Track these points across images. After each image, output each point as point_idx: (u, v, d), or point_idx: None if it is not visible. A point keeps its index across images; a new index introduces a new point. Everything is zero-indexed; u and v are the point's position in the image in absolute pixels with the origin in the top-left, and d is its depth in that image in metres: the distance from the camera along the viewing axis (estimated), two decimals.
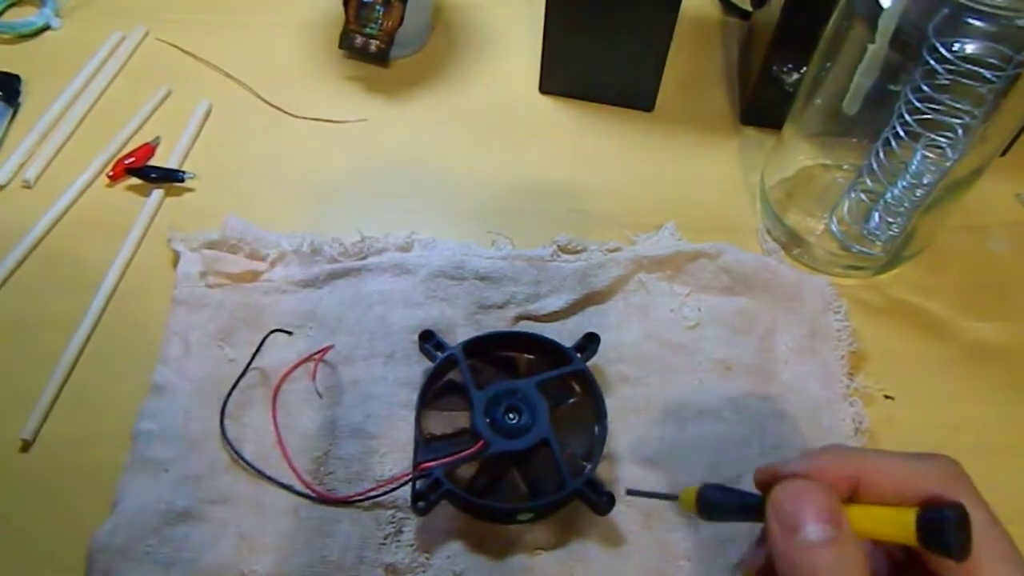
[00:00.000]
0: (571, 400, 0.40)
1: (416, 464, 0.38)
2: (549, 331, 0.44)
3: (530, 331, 0.42)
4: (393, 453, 0.40)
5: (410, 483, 0.37)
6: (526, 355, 0.42)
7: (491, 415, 0.38)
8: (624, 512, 0.39)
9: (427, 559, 0.37)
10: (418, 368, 0.42)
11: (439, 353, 0.41)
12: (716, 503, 0.29)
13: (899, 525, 0.24)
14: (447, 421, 0.40)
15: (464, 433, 0.39)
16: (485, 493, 0.38)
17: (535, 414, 0.38)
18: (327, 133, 0.54)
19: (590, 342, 0.42)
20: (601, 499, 0.37)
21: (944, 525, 0.23)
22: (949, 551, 0.24)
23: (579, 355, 0.41)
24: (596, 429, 0.39)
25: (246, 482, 0.39)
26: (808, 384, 0.43)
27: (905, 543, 0.24)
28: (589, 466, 0.38)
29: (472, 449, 0.37)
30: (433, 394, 0.40)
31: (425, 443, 0.39)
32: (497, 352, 0.42)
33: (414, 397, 0.40)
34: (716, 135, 0.55)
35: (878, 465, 0.26)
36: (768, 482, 0.27)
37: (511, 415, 0.38)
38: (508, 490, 0.38)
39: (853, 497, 0.26)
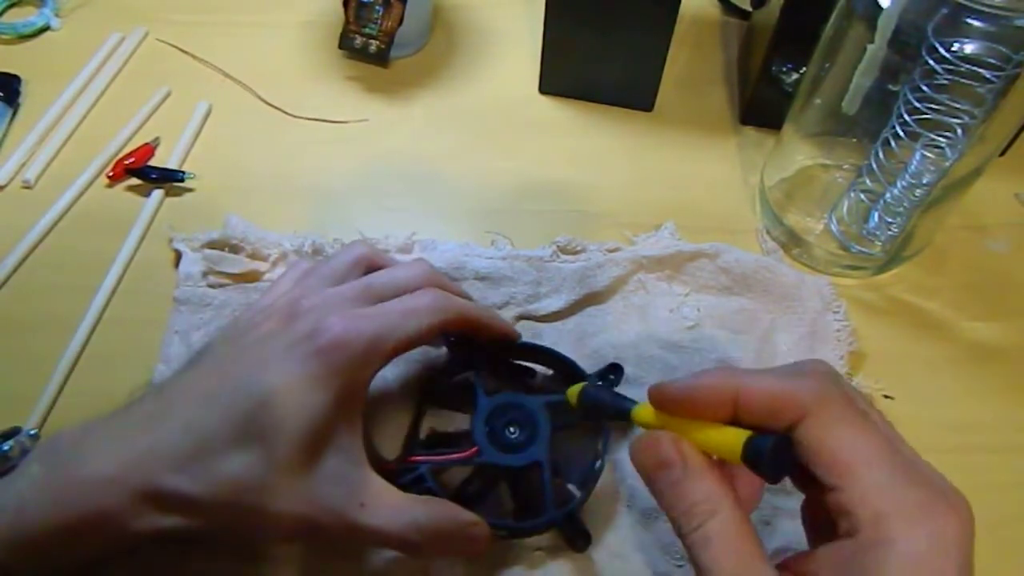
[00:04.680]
0: (576, 427, 0.39)
1: (405, 456, 0.38)
2: (548, 331, 0.44)
3: (555, 350, 0.41)
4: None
5: (395, 475, 0.36)
6: (544, 371, 0.41)
7: (492, 425, 0.37)
8: (625, 512, 0.39)
9: (426, 559, 0.37)
10: (417, 368, 0.42)
11: (456, 353, 0.40)
12: (595, 401, 0.33)
13: (732, 452, 0.27)
14: (450, 420, 0.40)
15: (465, 436, 0.39)
16: (473, 500, 0.37)
17: (535, 434, 0.37)
18: (327, 133, 0.54)
19: (613, 372, 0.40)
20: (577, 536, 0.36)
21: (761, 455, 0.26)
22: (765, 476, 0.26)
23: (599, 383, 0.40)
24: (595, 464, 0.38)
25: None
26: None
27: (736, 463, 0.27)
28: (576, 499, 0.37)
29: (462, 453, 0.36)
30: (442, 391, 0.40)
31: (424, 438, 0.39)
32: (517, 361, 0.41)
33: (412, 394, 0.40)
34: (716, 135, 0.55)
35: (753, 386, 0.27)
36: (656, 398, 0.30)
37: (511, 429, 0.37)
38: (495, 502, 0.38)
39: (735, 415, 0.28)
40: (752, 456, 0.26)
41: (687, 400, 0.29)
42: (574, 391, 0.34)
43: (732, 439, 0.27)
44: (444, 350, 0.41)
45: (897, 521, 0.25)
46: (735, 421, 0.28)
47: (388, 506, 0.33)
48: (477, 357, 0.40)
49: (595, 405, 0.33)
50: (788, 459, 0.26)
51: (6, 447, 0.34)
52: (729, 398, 0.28)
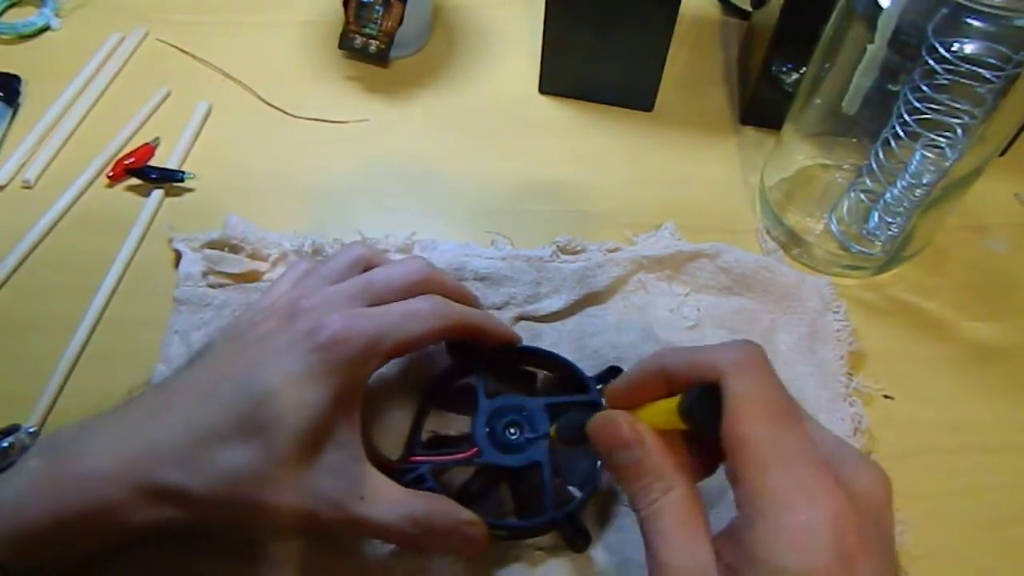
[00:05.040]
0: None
1: (406, 457, 0.38)
2: (548, 332, 0.44)
3: (554, 352, 0.41)
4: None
5: (397, 475, 0.36)
6: (545, 373, 0.41)
7: (492, 426, 0.38)
8: (625, 512, 0.39)
9: (426, 559, 0.37)
10: (419, 371, 0.42)
11: (458, 355, 0.40)
12: (572, 430, 0.33)
13: (673, 415, 0.28)
14: (451, 423, 0.40)
15: (465, 439, 0.39)
16: (474, 500, 0.37)
17: (535, 435, 0.37)
18: (327, 133, 0.54)
19: (613, 375, 0.40)
20: (577, 536, 0.36)
21: (691, 405, 0.27)
22: (697, 425, 0.28)
23: (599, 386, 0.40)
24: (596, 465, 0.38)
25: None
26: (807, 384, 0.43)
27: (682, 427, 0.29)
28: (576, 499, 0.37)
29: (463, 454, 0.37)
30: (443, 394, 0.40)
31: (424, 441, 0.39)
32: (518, 364, 0.41)
33: (413, 396, 0.40)
34: (716, 135, 0.55)
35: (675, 357, 0.30)
36: (611, 400, 0.32)
37: (512, 430, 0.37)
38: (496, 503, 0.38)
39: (670, 391, 0.29)
40: (685, 410, 0.28)
41: (630, 390, 0.31)
42: (553, 433, 0.35)
43: (671, 405, 0.28)
44: (445, 353, 0.41)
45: (773, 499, 0.25)
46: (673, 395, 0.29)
47: (387, 499, 0.33)
48: (478, 360, 0.40)
49: (574, 434, 0.33)
50: (715, 407, 0.27)
51: (5, 444, 0.34)
52: (660, 376, 0.30)
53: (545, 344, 0.42)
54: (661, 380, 0.30)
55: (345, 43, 0.57)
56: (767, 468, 0.25)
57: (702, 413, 0.27)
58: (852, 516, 0.25)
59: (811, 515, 0.25)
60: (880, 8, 0.38)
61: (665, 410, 0.29)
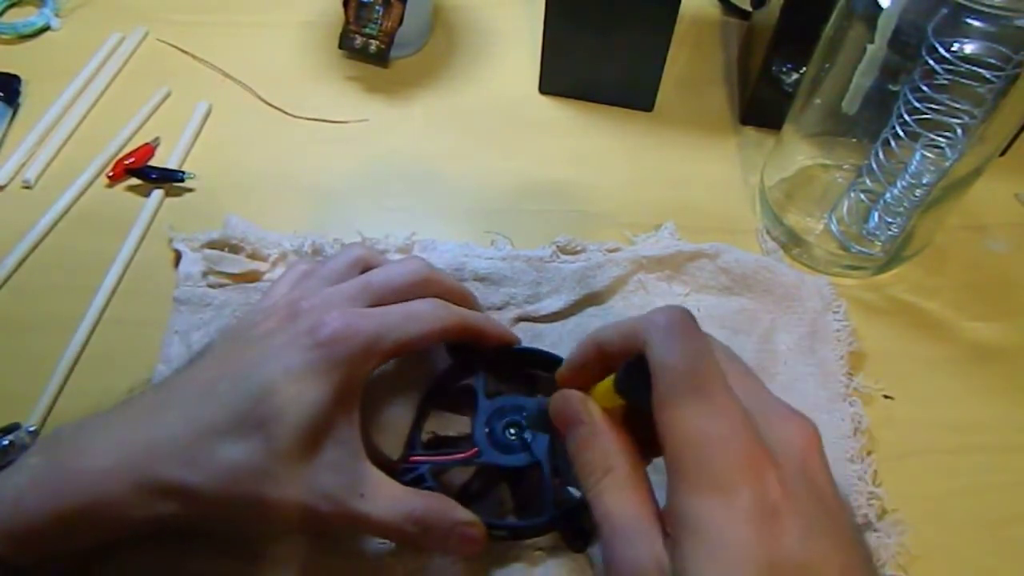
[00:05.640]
0: None
1: (406, 457, 0.38)
2: (548, 332, 0.44)
3: (554, 353, 0.40)
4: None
5: (397, 474, 0.36)
6: (545, 374, 0.41)
7: (492, 426, 0.38)
8: None
9: (426, 559, 0.37)
10: (419, 372, 0.42)
11: (458, 355, 0.40)
12: (538, 414, 0.34)
13: (612, 392, 0.29)
14: (451, 424, 0.40)
15: (465, 439, 0.39)
16: (473, 500, 0.37)
17: (535, 435, 0.37)
18: (327, 133, 0.54)
19: (635, 369, 0.40)
20: (577, 536, 0.36)
21: (620, 380, 0.28)
22: (630, 398, 0.28)
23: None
24: None
25: None
26: (807, 384, 0.43)
27: (619, 405, 0.29)
28: (576, 499, 0.36)
29: (463, 454, 0.37)
30: (443, 394, 0.40)
31: (424, 440, 0.39)
32: (518, 365, 0.41)
33: (414, 397, 0.40)
34: (716, 135, 0.55)
35: (606, 332, 0.31)
36: (560, 384, 0.33)
37: (511, 430, 0.37)
38: (496, 504, 0.38)
39: (610, 367, 0.30)
40: (617, 385, 0.28)
41: (571, 370, 0.32)
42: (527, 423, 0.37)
43: (610, 383, 0.29)
44: (445, 354, 0.41)
45: (685, 480, 0.26)
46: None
47: (387, 496, 0.33)
48: (478, 361, 0.40)
49: (543, 418, 0.33)
50: (644, 379, 0.27)
51: (5, 442, 0.34)
52: (598, 353, 0.31)
53: (545, 345, 0.42)
54: (599, 357, 0.30)
55: (345, 43, 0.57)
56: (683, 447, 0.26)
57: (631, 387, 0.28)
58: (772, 470, 0.25)
59: (727, 472, 0.25)
60: (880, 8, 0.38)
61: (608, 388, 0.29)
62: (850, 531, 0.26)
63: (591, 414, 0.30)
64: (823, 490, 0.26)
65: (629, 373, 0.28)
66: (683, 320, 0.28)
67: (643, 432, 0.29)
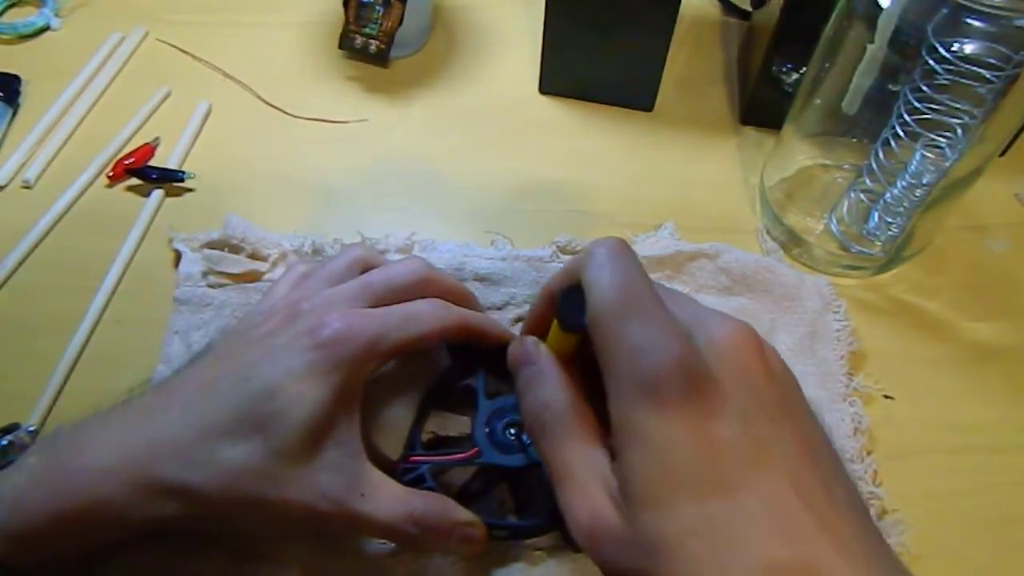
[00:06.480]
0: None
1: (406, 457, 0.38)
2: None
3: None
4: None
5: (397, 474, 0.36)
6: None
7: (492, 426, 0.37)
8: None
9: (426, 559, 0.37)
10: (420, 372, 0.42)
11: (460, 356, 0.40)
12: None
13: (564, 336, 0.30)
14: (451, 425, 0.40)
15: (466, 440, 0.39)
16: (474, 500, 0.37)
17: None
18: (327, 133, 0.54)
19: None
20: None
21: (558, 307, 0.29)
22: (568, 326, 0.29)
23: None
24: None
25: None
26: (807, 384, 0.43)
27: (569, 345, 0.30)
28: None
29: (463, 454, 0.37)
30: (443, 395, 0.40)
31: (425, 441, 0.39)
32: None
33: (414, 397, 0.40)
34: (716, 135, 0.55)
35: (556, 278, 0.32)
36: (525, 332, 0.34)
37: (512, 430, 0.37)
38: (496, 504, 0.38)
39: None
40: (556, 313, 0.29)
41: (531, 320, 0.34)
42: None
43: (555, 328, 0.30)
44: (445, 354, 0.41)
45: (623, 404, 0.26)
46: None
47: (387, 496, 0.33)
48: (478, 361, 0.40)
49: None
50: (579, 303, 0.28)
51: (4, 442, 0.34)
52: (550, 299, 0.32)
53: None
54: (552, 302, 0.31)
55: (345, 43, 0.57)
56: (615, 358, 0.26)
57: (568, 313, 0.28)
58: (704, 370, 0.25)
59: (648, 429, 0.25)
60: (880, 8, 0.38)
61: (557, 329, 0.30)
62: (799, 412, 0.27)
63: (540, 355, 0.31)
64: (762, 382, 0.26)
65: (566, 300, 0.28)
66: (616, 245, 0.29)
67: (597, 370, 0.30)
